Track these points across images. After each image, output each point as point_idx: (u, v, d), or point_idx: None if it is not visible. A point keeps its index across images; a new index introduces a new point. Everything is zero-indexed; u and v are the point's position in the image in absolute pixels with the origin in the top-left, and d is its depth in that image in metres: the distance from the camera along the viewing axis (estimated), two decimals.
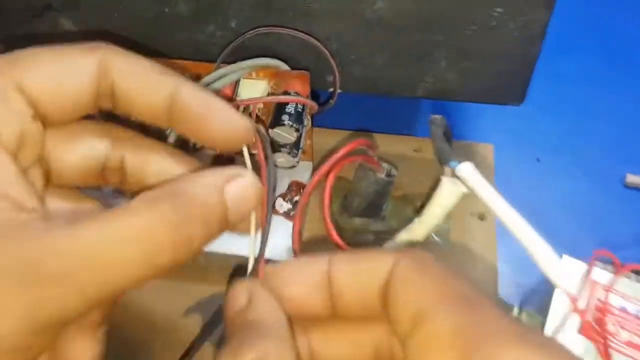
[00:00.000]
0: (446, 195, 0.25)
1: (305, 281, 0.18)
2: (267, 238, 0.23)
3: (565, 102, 0.45)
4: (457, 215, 0.36)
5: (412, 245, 0.28)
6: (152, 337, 0.31)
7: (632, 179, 0.41)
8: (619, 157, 0.42)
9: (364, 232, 0.35)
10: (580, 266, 0.30)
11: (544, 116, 0.44)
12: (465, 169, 0.24)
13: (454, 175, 0.24)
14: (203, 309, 0.33)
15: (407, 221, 0.36)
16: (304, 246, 0.35)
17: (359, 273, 0.17)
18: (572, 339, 0.28)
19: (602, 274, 0.29)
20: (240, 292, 0.18)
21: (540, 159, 0.42)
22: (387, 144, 0.36)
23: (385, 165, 0.32)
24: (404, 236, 0.27)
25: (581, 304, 0.28)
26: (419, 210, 0.36)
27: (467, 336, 0.14)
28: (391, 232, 0.36)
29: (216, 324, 0.30)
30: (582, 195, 0.40)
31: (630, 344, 0.28)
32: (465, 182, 0.24)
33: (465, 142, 0.40)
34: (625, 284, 0.29)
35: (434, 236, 0.36)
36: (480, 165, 0.38)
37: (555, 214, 0.39)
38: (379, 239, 0.35)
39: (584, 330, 0.28)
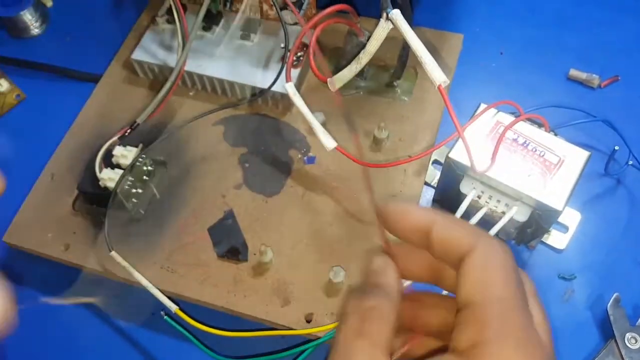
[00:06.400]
0: (381, 31, 0.37)
1: (412, 223, 0.22)
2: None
3: (532, 11, 0.55)
4: (422, 81, 0.48)
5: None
6: None
7: (574, 73, 0.51)
8: (566, 55, 0.52)
9: (350, 87, 0.48)
10: (492, 111, 0.41)
11: (511, 21, 0.54)
12: (396, 13, 0.35)
13: (388, 18, 0.36)
14: None
15: (383, 83, 0.48)
16: (305, 91, 0.48)
17: (450, 238, 0.21)
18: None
19: (507, 117, 0.41)
20: (380, 261, 0.23)
21: (503, 53, 0.53)
22: (372, 25, 0.48)
23: (366, 32, 0.44)
24: (354, 66, 0.39)
25: (486, 134, 0.40)
26: (392, 75, 0.48)
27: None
28: (369, 89, 0.48)
29: None
30: (531, 84, 0.51)
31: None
32: (394, 22, 0.36)
33: (438, 30, 0.51)
34: (524, 126, 0.41)
35: (402, 95, 0.48)
36: (448, 52, 0.49)
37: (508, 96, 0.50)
38: (360, 91, 0.48)
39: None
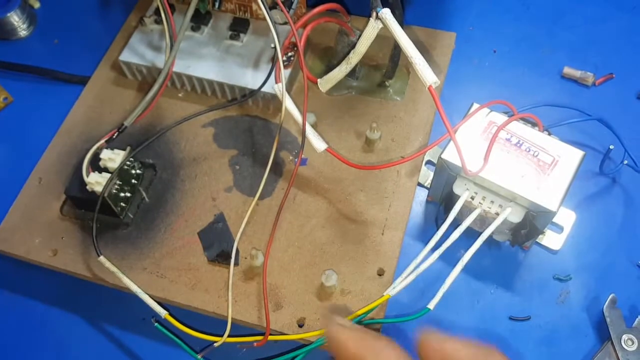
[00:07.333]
0: (371, 31, 0.36)
1: None
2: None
3: (526, 8, 0.54)
4: (414, 81, 0.47)
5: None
6: None
7: (568, 70, 0.51)
8: (560, 53, 0.51)
9: (342, 87, 0.47)
10: (484, 111, 0.41)
11: (505, 18, 0.54)
12: (386, 12, 0.35)
13: (377, 17, 0.35)
14: None
15: (375, 83, 0.48)
16: (296, 91, 0.47)
17: None
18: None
19: (500, 117, 0.41)
20: None
21: (496, 51, 0.52)
22: (363, 24, 0.47)
23: (357, 31, 0.44)
24: (344, 66, 0.39)
25: (479, 134, 0.39)
26: (384, 75, 0.47)
27: None
28: (361, 89, 0.48)
29: None
30: (524, 83, 0.50)
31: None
32: (384, 21, 0.35)
33: (430, 29, 0.50)
34: (517, 125, 0.40)
35: (394, 95, 0.47)
36: (440, 51, 0.49)
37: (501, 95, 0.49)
38: (351, 91, 0.47)
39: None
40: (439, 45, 0.49)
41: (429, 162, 0.47)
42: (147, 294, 0.39)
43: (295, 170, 0.42)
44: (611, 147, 0.42)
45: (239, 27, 0.48)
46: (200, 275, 0.40)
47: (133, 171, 0.43)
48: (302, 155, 0.44)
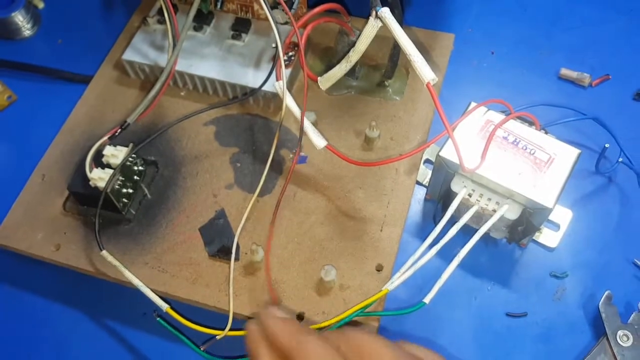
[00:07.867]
0: (370, 29, 0.37)
1: None
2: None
3: (524, 10, 0.55)
4: (413, 81, 0.48)
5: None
6: None
7: (565, 72, 0.51)
8: (558, 54, 0.52)
9: (341, 86, 0.48)
10: (482, 109, 0.41)
11: (503, 20, 0.55)
12: (385, 10, 0.36)
13: (377, 16, 0.36)
14: None
15: (374, 83, 0.48)
16: (297, 90, 0.48)
17: None
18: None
19: (497, 116, 0.41)
20: None
21: (494, 52, 0.53)
22: (363, 25, 0.47)
23: (357, 31, 0.44)
24: (344, 64, 0.39)
25: (476, 132, 0.40)
26: (384, 75, 0.48)
27: None
28: (361, 89, 0.48)
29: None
30: (522, 84, 0.51)
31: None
32: (383, 20, 0.36)
33: (429, 30, 0.51)
34: (514, 124, 0.41)
35: (393, 95, 0.48)
36: (439, 52, 0.50)
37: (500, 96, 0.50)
38: (351, 91, 0.48)
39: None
40: (438, 47, 0.50)
41: (427, 161, 0.47)
42: (149, 288, 0.39)
43: (292, 167, 0.42)
44: (607, 145, 0.43)
45: (240, 27, 0.48)
46: (201, 270, 0.40)
47: (135, 168, 0.43)
48: (303, 153, 0.45)
